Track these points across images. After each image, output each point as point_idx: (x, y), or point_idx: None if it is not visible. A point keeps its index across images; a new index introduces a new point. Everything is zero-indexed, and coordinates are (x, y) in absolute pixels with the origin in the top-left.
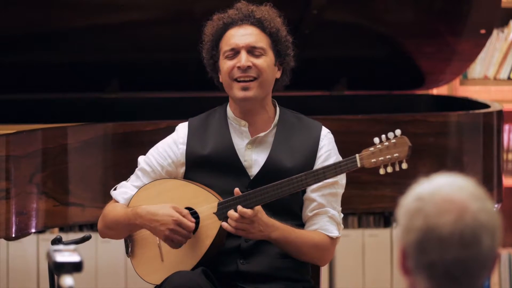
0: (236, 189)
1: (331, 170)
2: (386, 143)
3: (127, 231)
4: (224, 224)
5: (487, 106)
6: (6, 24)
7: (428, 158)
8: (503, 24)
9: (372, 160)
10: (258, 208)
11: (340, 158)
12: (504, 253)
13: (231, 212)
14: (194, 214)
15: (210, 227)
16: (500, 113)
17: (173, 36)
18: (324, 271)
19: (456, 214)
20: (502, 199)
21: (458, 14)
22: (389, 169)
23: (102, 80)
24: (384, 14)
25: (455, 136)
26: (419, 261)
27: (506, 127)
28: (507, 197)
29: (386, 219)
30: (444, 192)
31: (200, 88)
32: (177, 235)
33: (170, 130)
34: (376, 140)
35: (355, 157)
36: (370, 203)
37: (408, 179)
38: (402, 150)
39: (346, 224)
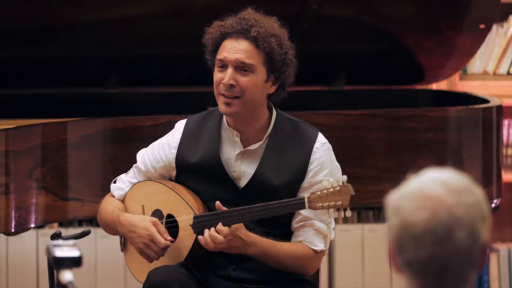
0: (217, 203)
1: (282, 207)
2: (331, 189)
3: (114, 233)
4: (201, 238)
5: (486, 101)
6: (6, 18)
7: (427, 153)
8: (502, 19)
9: (319, 204)
10: (237, 225)
11: (337, 168)
12: (503, 247)
13: (210, 232)
14: (174, 222)
15: (187, 238)
16: (499, 108)
17: (173, 30)
18: (323, 266)
19: (431, 210)
20: (502, 194)
21: (458, 9)
22: (335, 215)
23: (102, 75)
24: (384, 8)
25: (455, 131)
26: (400, 260)
27: (506, 122)
28: (506, 192)
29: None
30: (422, 189)
31: (200, 83)
32: (149, 250)
33: (170, 125)
34: (326, 183)
35: (304, 199)
36: (369, 198)
37: (408, 175)
38: (345, 198)
39: (345, 219)
